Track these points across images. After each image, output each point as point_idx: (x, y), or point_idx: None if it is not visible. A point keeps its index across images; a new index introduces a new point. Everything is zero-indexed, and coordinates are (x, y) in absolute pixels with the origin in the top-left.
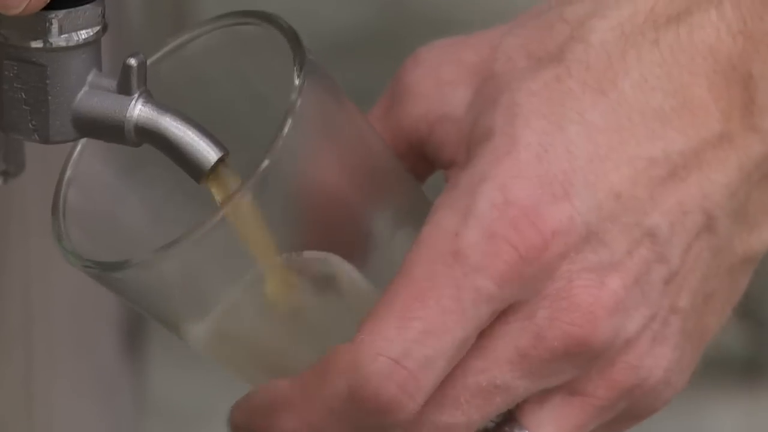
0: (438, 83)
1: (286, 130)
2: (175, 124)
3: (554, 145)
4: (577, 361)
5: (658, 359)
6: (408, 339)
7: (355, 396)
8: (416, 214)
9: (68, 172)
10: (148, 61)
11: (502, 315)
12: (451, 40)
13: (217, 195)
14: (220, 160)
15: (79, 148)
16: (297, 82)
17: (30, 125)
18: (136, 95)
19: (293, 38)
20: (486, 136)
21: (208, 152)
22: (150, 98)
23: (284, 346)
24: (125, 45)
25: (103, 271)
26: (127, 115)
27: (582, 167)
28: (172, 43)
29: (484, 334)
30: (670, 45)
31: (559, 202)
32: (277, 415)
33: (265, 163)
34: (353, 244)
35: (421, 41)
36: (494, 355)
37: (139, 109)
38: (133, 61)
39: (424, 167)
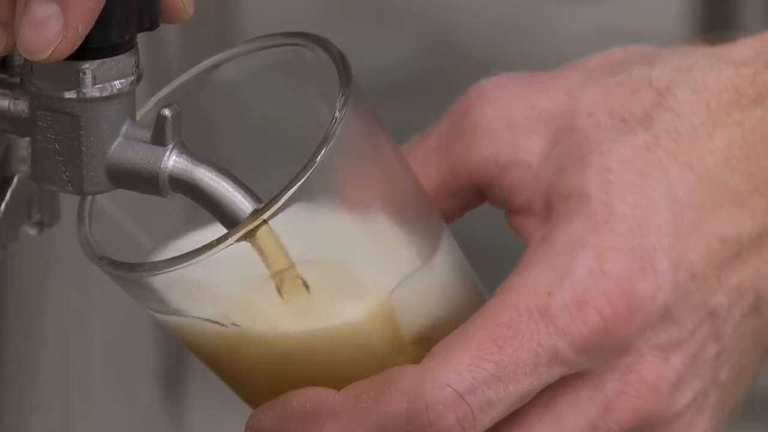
0: (509, 125)
1: (320, 156)
2: (209, 175)
3: (646, 220)
4: None
5: (696, 428)
6: (477, 378)
7: (413, 418)
8: (438, 248)
9: None
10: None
11: (571, 382)
12: (518, 79)
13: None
14: (255, 212)
15: None
16: (337, 114)
17: (64, 176)
18: (170, 146)
19: (340, 61)
20: (577, 196)
21: (243, 204)
22: (184, 149)
23: (297, 358)
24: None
25: (116, 269)
26: (162, 166)
27: (669, 245)
28: (223, 57)
29: (554, 403)
30: (753, 128)
31: (647, 278)
32: (320, 422)
33: (296, 185)
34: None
35: (465, 82)
36: (567, 428)
37: (173, 160)
38: (167, 112)
39: (473, 203)
